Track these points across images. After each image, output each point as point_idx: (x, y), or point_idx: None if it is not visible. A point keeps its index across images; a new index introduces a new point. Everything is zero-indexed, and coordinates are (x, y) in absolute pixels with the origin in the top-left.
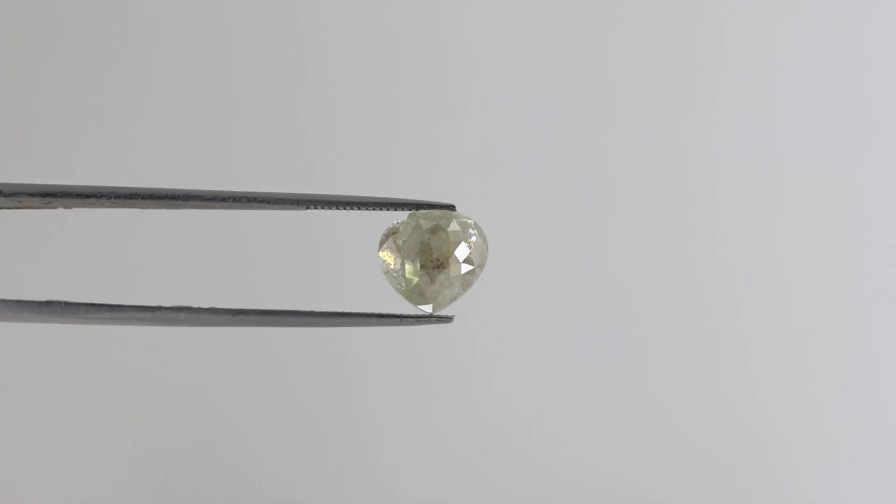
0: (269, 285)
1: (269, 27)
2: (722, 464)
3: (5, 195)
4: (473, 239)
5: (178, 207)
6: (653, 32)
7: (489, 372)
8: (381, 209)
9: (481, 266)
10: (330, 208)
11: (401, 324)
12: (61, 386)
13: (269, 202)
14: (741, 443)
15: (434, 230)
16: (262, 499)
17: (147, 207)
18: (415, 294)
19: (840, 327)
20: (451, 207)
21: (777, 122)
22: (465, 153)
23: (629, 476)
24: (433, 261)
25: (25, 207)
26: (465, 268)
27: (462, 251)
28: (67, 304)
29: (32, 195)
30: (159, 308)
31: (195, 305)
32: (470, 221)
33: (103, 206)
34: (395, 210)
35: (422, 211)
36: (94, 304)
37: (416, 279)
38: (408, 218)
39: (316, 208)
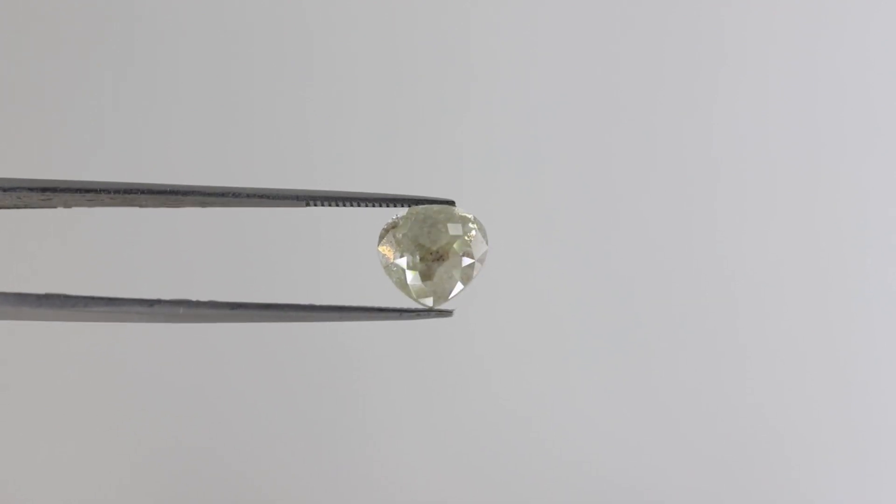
0: (269, 282)
1: (268, 26)
2: (722, 463)
3: (4, 190)
4: (473, 233)
5: (178, 205)
6: (653, 32)
7: (489, 370)
8: (380, 205)
9: (481, 260)
10: (329, 205)
11: (400, 317)
12: (62, 386)
13: (269, 198)
14: (741, 442)
15: (433, 224)
16: (262, 498)
17: (146, 205)
18: (414, 287)
19: (840, 327)
20: (451, 203)
21: (777, 122)
22: (466, 151)
23: (629, 475)
24: (432, 253)
25: (25, 207)
26: (465, 261)
27: (461, 244)
28: (66, 296)
29: (32, 190)
30: (158, 301)
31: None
32: (469, 216)
33: (102, 202)
34: (395, 206)
35: (421, 206)
36: (92, 298)
37: (415, 272)
38: (407, 212)
39: (316, 205)
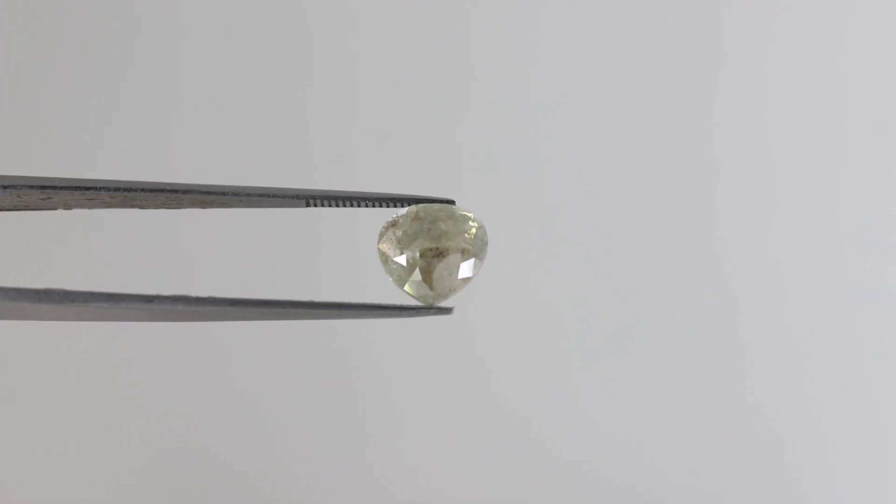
0: (269, 281)
1: (268, 26)
2: (722, 463)
3: (4, 187)
4: (473, 231)
5: (178, 205)
6: (653, 32)
7: (489, 369)
8: (380, 205)
9: (481, 258)
10: (329, 205)
11: (400, 315)
12: (62, 386)
13: (269, 196)
14: (741, 442)
15: (434, 221)
16: (262, 498)
17: (146, 206)
18: (414, 284)
19: (840, 327)
20: (451, 202)
21: (777, 121)
22: (466, 151)
23: (629, 475)
24: (432, 250)
25: (25, 207)
26: (465, 259)
27: (461, 242)
28: (66, 291)
29: (32, 188)
30: (157, 297)
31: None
32: (470, 215)
33: (102, 201)
34: (395, 206)
35: (421, 205)
36: (92, 293)
37: (415, 269)
38: (407, 211)
39: (316, 205)
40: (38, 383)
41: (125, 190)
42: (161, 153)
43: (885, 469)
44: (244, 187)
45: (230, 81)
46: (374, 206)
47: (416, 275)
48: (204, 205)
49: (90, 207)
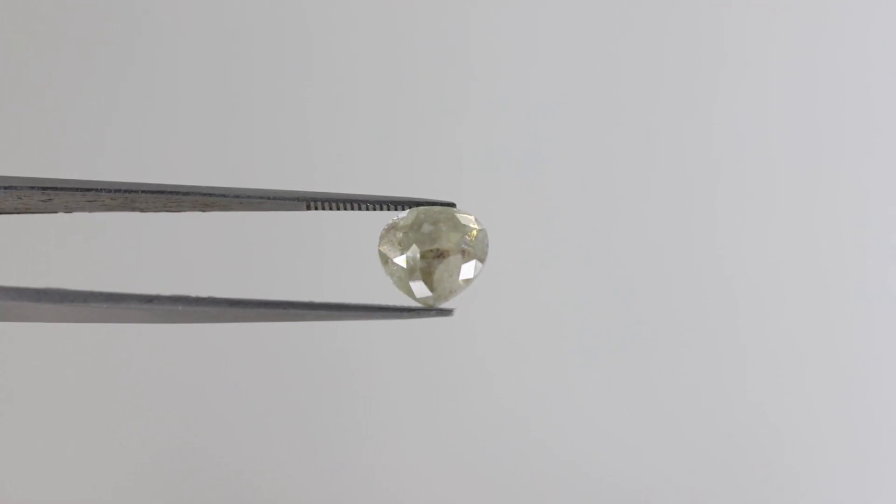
0: (269, 284)
1: (268, 27)
2: (722, 463)
3: (5, 188)
4: (474, 233)
5: (178, 208)
6: (653, 32)
7: (489, 370)
8: (381, 208)
9: (482, 260)
10: (330, 207)
11: (400, 316)
12: (62, 386)
13: (269, 199)
14: (742, 442)
15: (434, 223)
16: (262, 498)
17: (147, 208)
18: (414, 285)
19: (841, 326)
20: (452, 205)
21: (777, 122)
22: (466, 154)
23: (629, 475)
24: (433, 251)
25: (26, 210)
26: (466, 260)
27: (462, 243)
28: (66, 291)
29: (32, 189)
30: (157, 297)
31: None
32: (471, 217)
33: (103, 203)
34: (395, 209)
35: (422, 207)
36: (92, 293)
37: (415, 270)
38: (408, 213)
39: (317, 207)
40: (38, 383)
41: (126, 191)
42: (162, 156)
43: (886, 469)
44: (245, 189)
45: (231, 83)
46: (374, 209)
47: (417, 276)
48: (205, 207)
49: (91, 210)
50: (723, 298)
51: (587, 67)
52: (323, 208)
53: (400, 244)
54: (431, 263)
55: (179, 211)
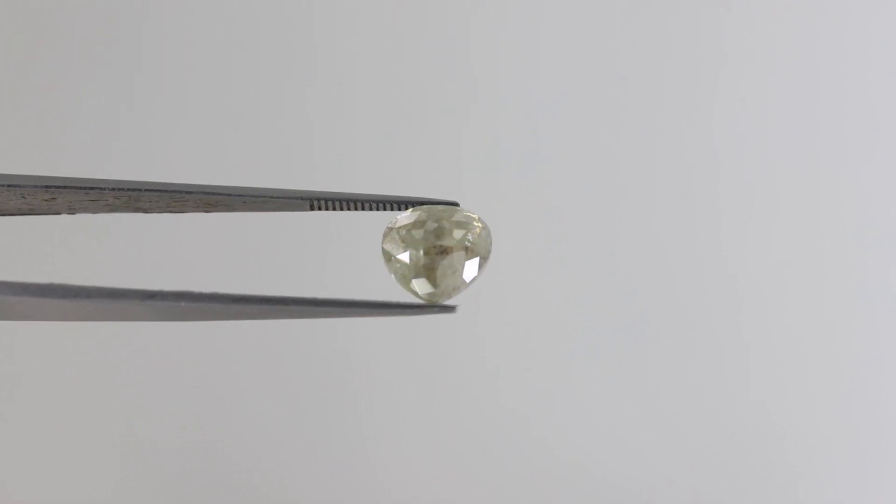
0: (272, 284)
1: (272, 26)
2: (726, 463)
3: (8, 187)
4: (477, 230)
5: (182, 208)
6: (655, 31)
7: (491, 369)
8: (384, 208)
9: (485, 257)
10: (334, 207)
11: (404, 313)
12: (62, 387)
13: (273, 198)
14: (745, 442)
15: (438, 220)
16: (261, 497)
17: (150, 208)
18: (417, 282)
19: (843, 325)
20: (455, 205)
21: (779, 121)
22: (470, 154)
23: (632, 474)
24: (436, 248)
25: (30, 210)
26: (469, 257)
27: (465, 240)
28: (69, 286)
29: (36, 187)
30: (160, 293)
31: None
32: (474, 216)
33: (106, 203)
34: (399, 208)
35: (425, 206)
36: (95, 288)
37: (418, 267)
38: (411, 212)
39: (320, 207)
40: (38, 383)
41: (129, 190)
42: (165, 156)
43: (887, 469)
44: (248, 188)
45: (234, 84)
46: (378, 209)
47: (420, 272)
48: (208, 207)
49: (94, 211)
50: (725, 296)
51: (590, 69)
52: (326, 208)
53: (403, 241)
54: (435, 260)
55: (183, 212)
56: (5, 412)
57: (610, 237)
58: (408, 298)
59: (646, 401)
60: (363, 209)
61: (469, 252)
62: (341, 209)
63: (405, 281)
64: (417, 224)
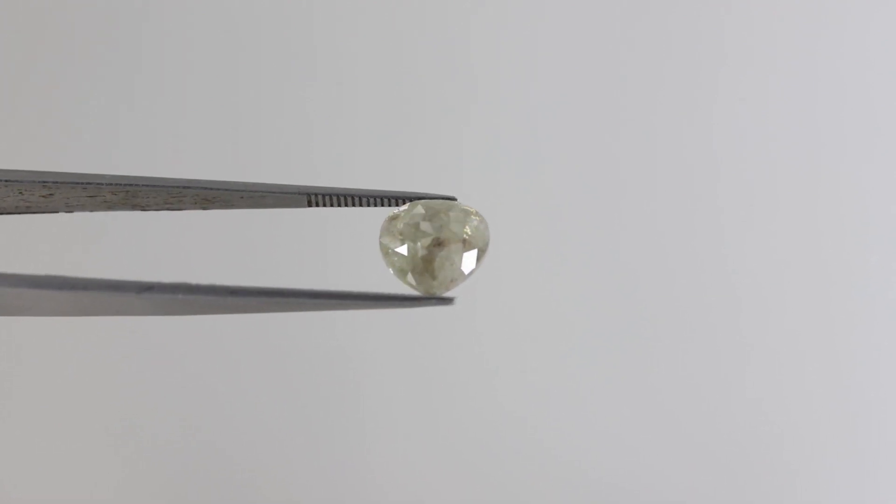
0: (270, 281)
1: (270, 22)
2: (723, 463)
3: (6, 182)
4: (475, 223)
5: (179, 205)
6: (656, 29)
7: (489, 368)
8: (382, 204)
9: (483, 250)
10: (332, 203)
11: (402, 305)
12: (63, 386)
13: (271, 193)
14: (744, 442)
15: (435, 213)
16: (261, 496)
17: (148, 205)
18: (415, 274)
19: (842, 325)
20: (452, 199)
21: (779, 120)
22: (468, 150)
23: (630, 474)
24: (434, 240)
25: (27, 208)
26: (467, 248)
27: (463, 232)
28: (65, 278)
29: (33, 182)
30: (157, 284)
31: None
32: (471, 210)
33: (104, 199)
34: (397, 203)
35: (423, 200)
36: (91, 280)
37: (416, 258)
38: (409, 205)
39: (318, 203)
40: (38, 383)
41: (126, 185)
42: (162, 154)
43: (886, 469)
44: (245, 183)
45: (231, 81)
46: (375, 204)
47: (418, 264)
48: (206, 203)
49: (91, 209)
50: (724, 295)
51: (590, 65)
52: (324, 203)
53: (401, 234)
54: (432, 252)
55: (181, 209)
56: (5, 412)
57: (608, 236)
58: (406, 292)
59: (644, 400)
60: (361, 205)
61: (467, 244)
62: (339, 205)
63: (402, 274)
64: (415, 217)
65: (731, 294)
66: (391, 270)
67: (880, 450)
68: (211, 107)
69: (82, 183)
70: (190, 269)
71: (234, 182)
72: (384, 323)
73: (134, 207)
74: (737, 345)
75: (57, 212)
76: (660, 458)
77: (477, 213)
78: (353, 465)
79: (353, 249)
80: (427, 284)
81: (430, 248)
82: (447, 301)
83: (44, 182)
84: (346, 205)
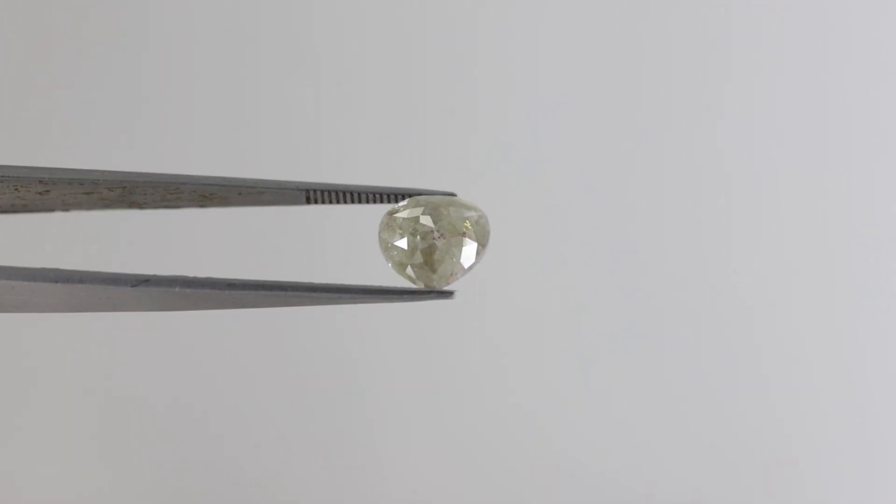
0: (267, 277)
1: (269, 19)
2: (735, 463)
3: (1, 178)
4: (474, 217)
5: (176, 202)
6: (663, 31)
7: (496, 367)
8: (381, 200)
9: (483, 244)
10: (330, 199)
11: (402, 299)
12: (63, 386)
13: (269, 189)
14: (754, 442)
15: (435, 207)
16: (262, 495)
17: (145, 204)
18: (415, 267)
19: (851, 327)
20: (452, 195)
21: (788, 125)
22: (469, 149)
23: (638, 473)
24: (433, 233)
25: (24, 208)
26: (466, 241)
27: (463, 226)
28: (61, 270)
29: (29, 179)
30: (153, 277)
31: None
32: (472, 205)
33: (101, 196)
34: (396, 200)
35: (423, 196)
36: (87, 272)
37: (415, 251)
38: (409, 200)
39: (316, 200)
40: (37, 382)
41: (123, 181)
42: (159, 151)
43: (894, 470)
44: (243, 179)
45: (230, 77)
46: (375, 200)
47: (417, 257)
48: (203, 200)
49: (88, 207)
50: (734, 293)
51: (594, 65)
52: (322, 200)
53: (400, 228)
54: (432, 245)
55: (178, 207)
56: (5, 412)
57: (616, 234)
58: (406, 286)
59: (654, 399)
60: (360, 202)
61: (466, 238)
62: (338, 202)
63: (401, 268)
64: (415, 211)
65: (740, 292)
66: (390, 265)
67: (889, 450)
68: (209, 103)
69: (79, 179)
70: (188, 268)
71: (232, 178)
72: (391, 323)
73: (131, 206)
74: (746, 344)
75: (54, 211)
76: (669, 455)
77: (477, 208)
78: (359, 463)
79: (352, 247)
80: (427, 278)
81: (429, 241)
82: (447, 294)
83: (40, 178)
84: (345, 201)
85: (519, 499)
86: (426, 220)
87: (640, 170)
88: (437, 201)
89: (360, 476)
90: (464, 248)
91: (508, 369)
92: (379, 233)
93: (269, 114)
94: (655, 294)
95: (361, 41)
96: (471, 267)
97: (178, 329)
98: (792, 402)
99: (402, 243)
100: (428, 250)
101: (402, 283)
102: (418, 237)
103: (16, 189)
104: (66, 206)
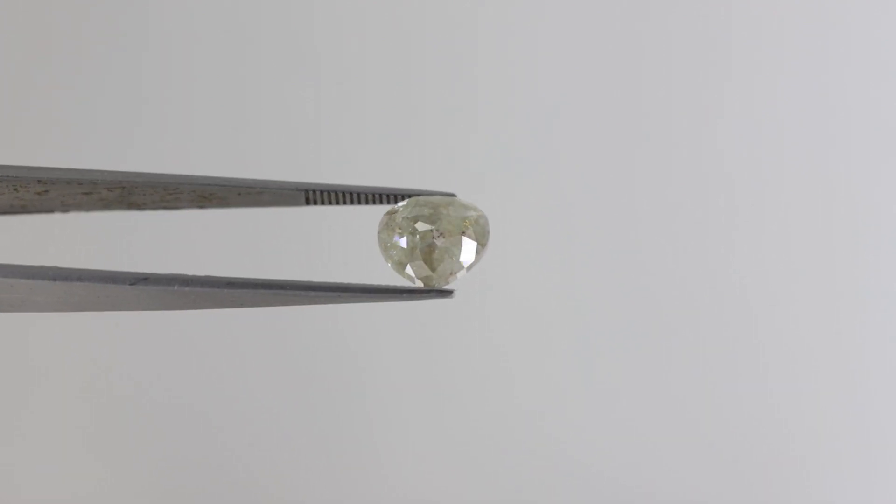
0: (268, 275)
1: (269, 19)
2: (738, 463)
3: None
4: (474, 216)
5: (175, 203)
6: (666, 31)
7: (498, 366)
8: (381, 201)
9: (482, 243)
10: (330, 200)
11: (401, 298)
12: (63, 386)
13: (268, 190)
14: (758, 441)
15: (435, 207)
16: (262, 494)
17: (144, 205)
18: (414, 266)
19: (855, 328)
20: (452, 196)
21: (792, 125)
22: (469, 150)
23: (641, 473)
24: (433, 232)
25: (22, 209)
26: (466, 241)
27: (462, 225)
28: (60, 268)
29: (28, 179)
30: (152, 276)
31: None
32: (471, 205)
33: (100, 197)
34: (395, 200)
35: (422, 196)
36: (85, 270)
37: (414, 250)
38: (408, 201)
39: (315, 201)
40: (37, 381)
41: (122, 181)
42: (158, 152)
43: (893, 469)
44: (242, 180)
45: (229, 77)
46: (374, 201)
47: (417, 256)
48: (203, 201)
49: (87, 208)
50: (737, 292)
51: (595, 66)
52: (322, 201)
53: (399, 227)
54: (431, 244)
55: (177, 207)
56: (6, 412)
57: (619, 233)
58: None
59: (657, 398)
60: (359, 202)
61: (466, 237)
62: (337, 202)
63: (401, 267)
64: (414, 210)
65: (741, 292)
66: (390, 264)
67: (890, 450)
68: (208, 103)
69: (78, 179)
70: (187, 269)
71: (231, 178)
72: (388, 324)
73: (130, 206)
74: (748, 344)
75: (53, 211)
76: (670, 455)
77: (476, 208)
78: (360, 462)
79: (351, 248)
80: (427, 275)
81: (428, 240)
82: (447, 293)
83: (39, 178)
84: (345, 202)
85: (519, 499)
86: (426, 220)
87: (641, 169)
88: (437, 201)
89: (361, 475)
90: (463, 248)
91: (509, 369)
92: (378, 233)
93: (269, 114)
94: (656, 294)
95: (361, 41)
96: (470, 266)
97: (178, 328)
98: (794, 403)
99: (402, 242)
100: (427, 250)
101: (401, 282)
102: (418, 237)
103: (15, 189)
104: (65, 207)
